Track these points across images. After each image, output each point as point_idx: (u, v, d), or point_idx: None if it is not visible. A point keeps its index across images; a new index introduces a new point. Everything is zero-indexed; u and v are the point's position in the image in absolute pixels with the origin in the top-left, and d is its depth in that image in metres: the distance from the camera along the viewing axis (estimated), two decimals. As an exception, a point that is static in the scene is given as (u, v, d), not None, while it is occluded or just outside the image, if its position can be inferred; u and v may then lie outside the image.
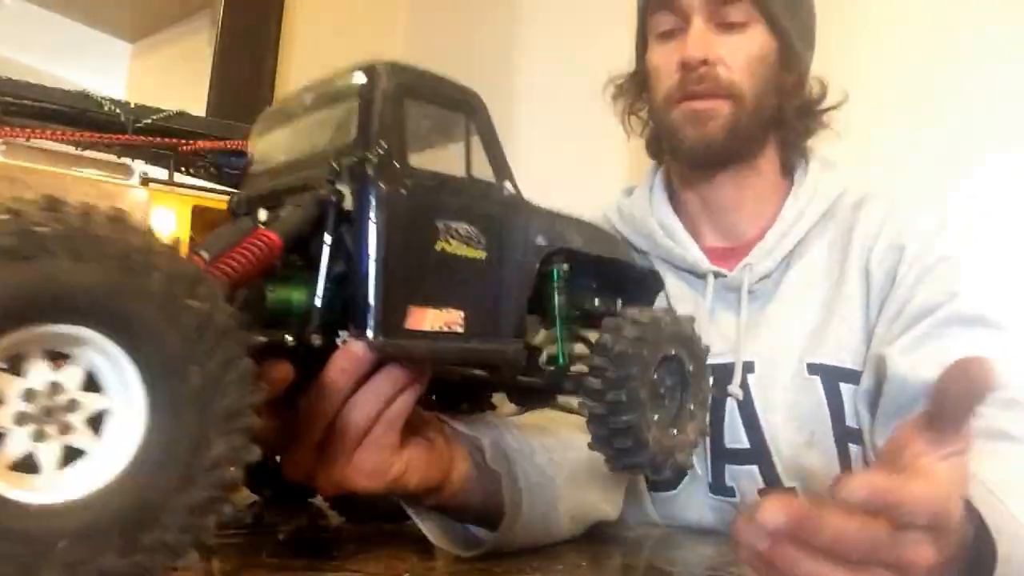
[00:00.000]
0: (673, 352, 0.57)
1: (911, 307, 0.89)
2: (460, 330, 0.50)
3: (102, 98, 0.91)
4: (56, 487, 0.31)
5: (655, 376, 0.56)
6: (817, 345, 0.93)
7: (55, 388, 0.32)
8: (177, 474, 0.33)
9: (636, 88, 1.07)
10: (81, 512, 0.31)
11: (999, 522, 0.55)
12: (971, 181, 1.20)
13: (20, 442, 0.31)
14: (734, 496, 0.96)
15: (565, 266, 0.58)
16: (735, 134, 0.96)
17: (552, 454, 0.74)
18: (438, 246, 0.49)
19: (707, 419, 0.61)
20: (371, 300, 0.47)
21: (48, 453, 0.32)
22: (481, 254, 0.51)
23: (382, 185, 0.47)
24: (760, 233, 0.99)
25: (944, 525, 0.45)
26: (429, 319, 0.49)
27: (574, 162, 1.62)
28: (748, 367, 0.95)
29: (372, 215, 0.47)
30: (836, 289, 0.94)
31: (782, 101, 0.98)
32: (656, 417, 0.56)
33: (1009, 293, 1.09)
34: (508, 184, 0.54)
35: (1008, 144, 1.18)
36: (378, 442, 0.55)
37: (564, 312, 0.58)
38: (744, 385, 0.94)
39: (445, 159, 0.52)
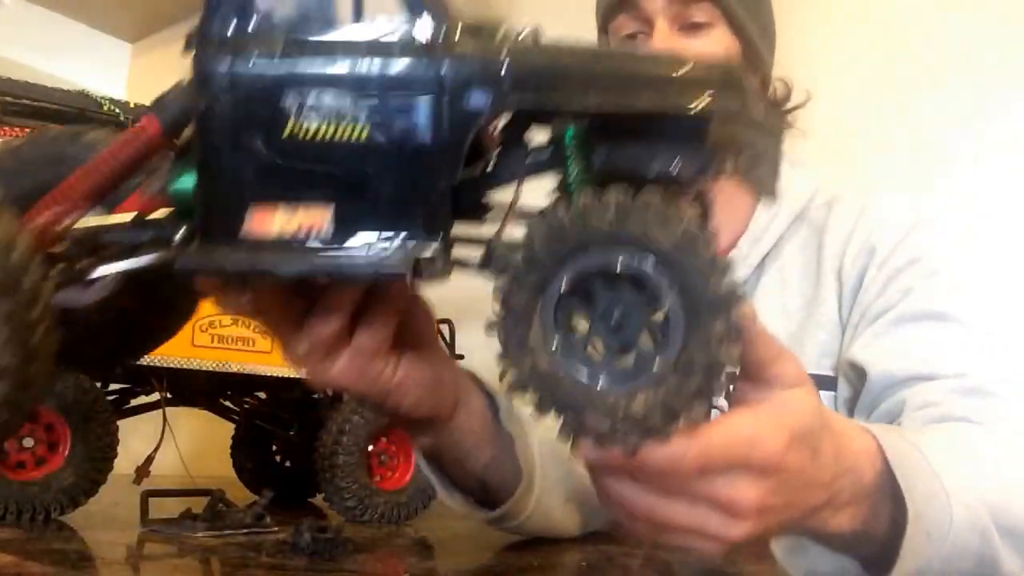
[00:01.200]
0: (622, 261, 0.39)
1: (873, 309, 0.86)
2: (323, 235, 0.41)
3: (102, 98, 0.91)
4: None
5: (563, 291, 0.40)
6: (797, 352, 0.91)
7: None
8: None
9: None
10: None
11: (917, 484, 0.55)
12: (945, 180, 1.20)
13: None
14: None
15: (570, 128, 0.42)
16: None
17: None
18: (287, 130, 0.41)
19: (719, 387, 0.41)
20: (197, 200, 0.42)
21: None
22: (358, 132, 0.41)
23: (202, 63, 0.41)
24: (733, 240, 0.96)
25: (767, 466, 0.44)
26: (277, 222, 0.41)
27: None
28: (730, 377, 0.94)
29: (200, 98, 0.41)
30: (813, 292, 0.93)
31: None
32: (578, 358, 0.40)
33: (996, 291, 1.10)
34: (429, 21, 0.41)
35: (981, 138, 1.18)
36: (358, 347, 0.51)
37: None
38: (728, 396, 0.93)
39: None
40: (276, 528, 0.75)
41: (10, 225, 0.41)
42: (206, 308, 0.90)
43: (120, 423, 0.82)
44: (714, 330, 0.38)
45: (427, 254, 0.41)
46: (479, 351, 1.36)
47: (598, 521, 0.83)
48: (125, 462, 0.86)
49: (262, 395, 1.10)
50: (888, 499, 0.54)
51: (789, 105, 0.98)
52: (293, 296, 0.49)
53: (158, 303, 0.52)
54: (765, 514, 0.44)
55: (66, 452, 0.78)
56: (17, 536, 0.67)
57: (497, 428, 0.66)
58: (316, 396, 1.10)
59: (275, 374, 0.95)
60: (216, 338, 0.90)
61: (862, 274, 0.88)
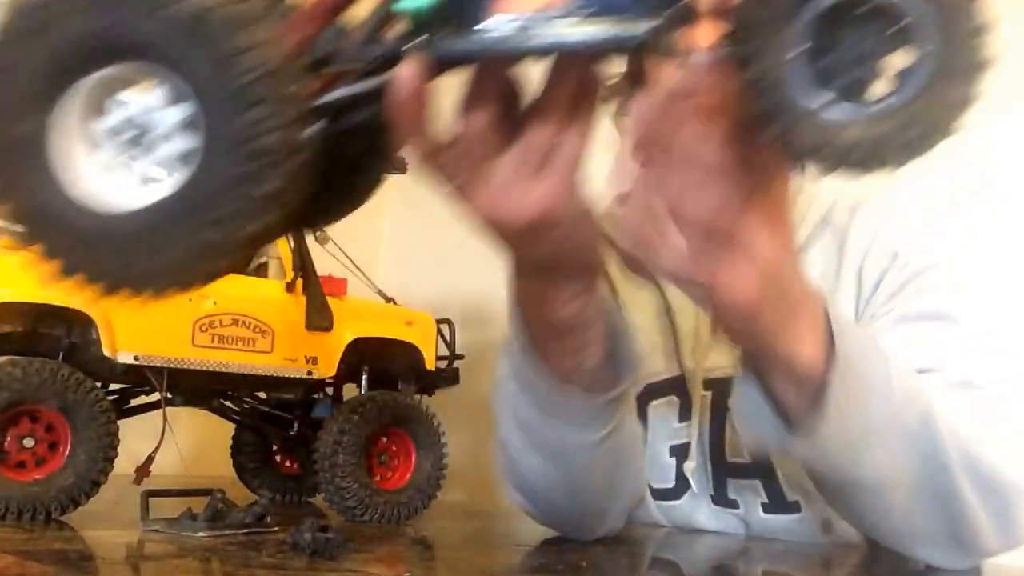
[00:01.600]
0: None
1: (882, 310, 0.86)
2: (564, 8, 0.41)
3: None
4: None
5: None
6: None
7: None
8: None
9: (629, 90, 1.02)
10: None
11: (853, 342, 0.57)
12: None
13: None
14: (738, 508, 0.96)
15: None
16: None
17: None
18: None
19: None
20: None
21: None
22: None
23: None
24: None
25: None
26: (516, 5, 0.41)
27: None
28: None
29: None
30: (830, 296, 0.90)
31: None
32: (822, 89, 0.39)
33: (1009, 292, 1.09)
34: None
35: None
36: (568, 154, 0.48)
37: None
38: None
39: None
40: (277, 528, 0.75)
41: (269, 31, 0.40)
42: (205, 307, 0.90)
43: (120, 423, 0.82)
44: (952, 95, 0.37)
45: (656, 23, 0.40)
46: (479, 351, 1.36)
47: (613, 521, 0.82)
48: (125, 462, 0.85)
49: (262, 395, 1.10)
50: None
51: None
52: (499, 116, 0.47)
53: (355, 159, 0.50)
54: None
55: (66, 452, 0.77)
56: (17, 536, 0.67)
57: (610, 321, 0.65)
58: (316, 396, 1.10)
59: (276, 374, 0.94)
60: (216, 338, 0.90)
61: (881, 278, 0.87)
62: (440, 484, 0.97)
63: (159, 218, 0.41)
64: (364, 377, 1.04)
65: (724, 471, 0.96)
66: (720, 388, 0.93)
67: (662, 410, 0.98)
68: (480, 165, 0.47)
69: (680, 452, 0.98)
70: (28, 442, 0.76)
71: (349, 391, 1.06)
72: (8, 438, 0.76)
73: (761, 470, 0.93)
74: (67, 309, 0.82)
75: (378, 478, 0.94)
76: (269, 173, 0.39)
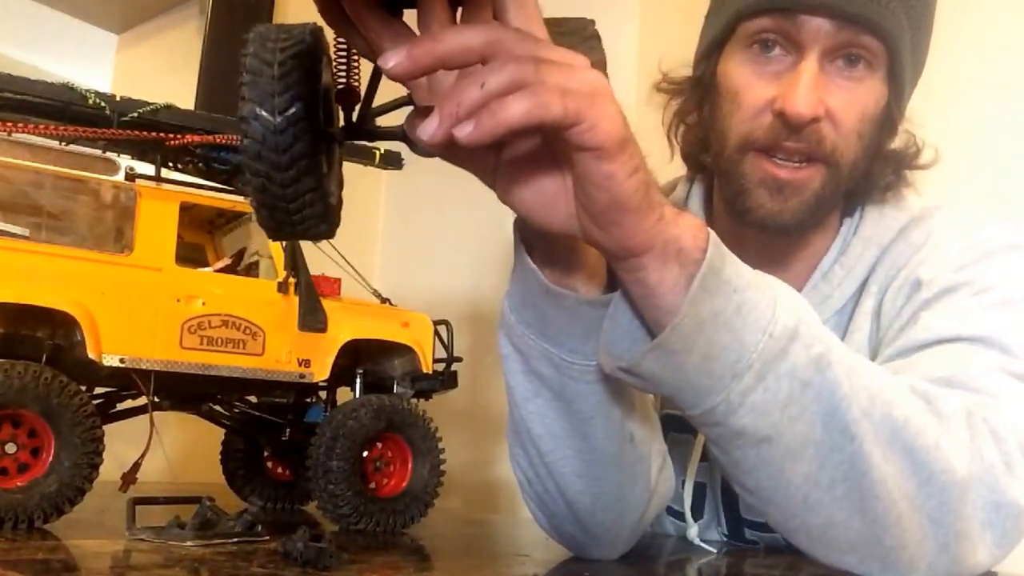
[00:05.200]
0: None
1: (892, 336, 0.80)
2: None
3: (87, 91, 0.88)
4: None
5: None
6: None
7: None
8: None
9: (696, 98, 0.88)
10: None
11: (741, 270, 0.56)
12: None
13: None
14: (757, 545, 0.94)
15: None
16: (819, 208, 0.81)
17: None
18: None
19: None
20: None
21: None
22: None
23: None
24: (800, 286, 0.87)
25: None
26: None
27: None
28: None
29: None
30: (846, 336, 0.85)
31: (876, 167, 0.84)
32: None
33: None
34: None
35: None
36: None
37: None
38: None
39: None
40: (267, 537, 0.74)
41: None
42: (194, 308, 0.88)
43: (106, 428, 0.80)
44: None
45: None
46: (477, 354, 1.34)
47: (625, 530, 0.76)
48: (111, 468, 0.84)
49: (253, 399, 1.08)
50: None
51: (919, 162, 0.87)
52: None
53: None
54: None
55: (50, 458, 0.76)
56: (-2, 546, 0.65)
57: None
58: (309, 400, 1.08)
59: (267, 377, 0.92)
60: (205, 340, 0.88)
61: (901, 310, 0.80)
62: (437, 491, 0.95)
63: None
64: (358, 380, 1.03)
65: (742, 524, 0.94)
66: None
67: (680, 446, 0.93)
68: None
69: (697, 490, 0.94)
70: (10, 448, 0.74)
71: (343, 395, 1.05)
72: (-11, 444, 0.74)
73: None
74: (50, 310, 0.81)
75: (373, 485, 0.92)
76: None
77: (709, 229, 0.55)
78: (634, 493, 0.72)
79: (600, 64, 0.56)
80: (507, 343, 0.66)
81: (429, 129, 0.45)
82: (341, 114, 0.52)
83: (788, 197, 0.79)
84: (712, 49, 0.84)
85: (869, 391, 0.59)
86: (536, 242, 0.61)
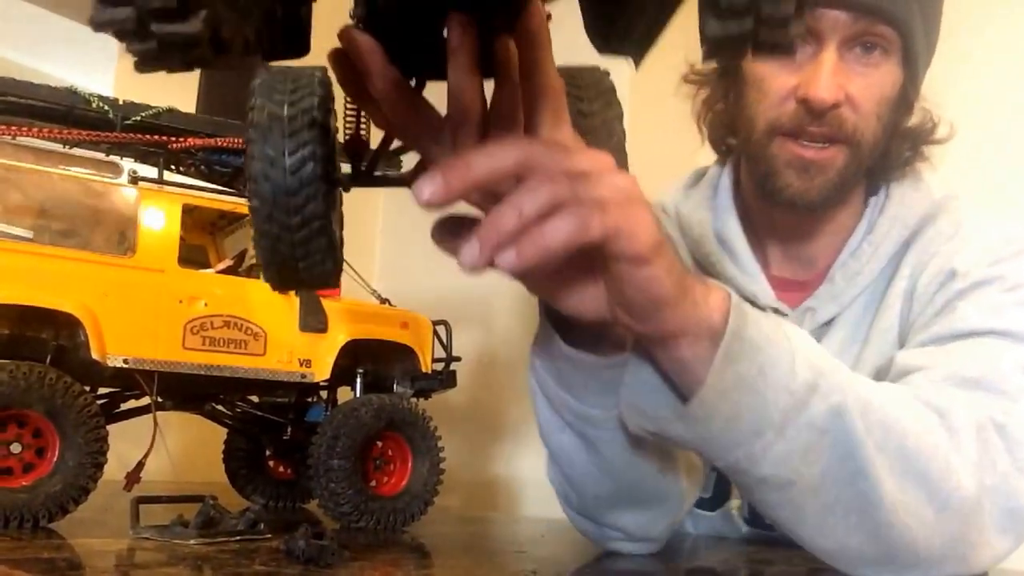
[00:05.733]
0: None
1: (921, 325, 0.82)
2: None
3: (90, 95, 0.89)
4: None
5: None
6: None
7: None
8: None
9: (722, 88, 0.93)
10: None
11: (762, 325, 0.56)
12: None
13: None
14: (774, 530, 0.94)
15: None
16: (842, 185, 0.85)
17: None
18: None
19: None
20: None
21: None
22: None
23: None
24: (828, 263, 0.91)
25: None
26: None
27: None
28: None
29: None
30: (876, 317, 0.87)
31: (894, 145, 0.88)
32: None
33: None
34: None
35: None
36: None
37: None
38: None
39: None
40: (270, 535, 0.74)
41: None
42: (196, 309, 0.89)
43: (110, 428, 0.80)
44: None
45: None
46: (476, 354, 1.34)
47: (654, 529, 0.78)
48: (115, 468, 0.84)
49: (255, 398, 1.09)
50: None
51: (934, 138, 0.90)
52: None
53: None
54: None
55: (54, 458, 0.76)
56: (4, 545, 0.66)
57: None
58: (310, 400, 1.09)
59: (268, 377, 0.93)
60: (208, 340, 0.89)
61: (933, 296, 0.82)
62: (437, 489, 0.96)
63: None
64: (359, 380, 1.03)
65: (760, 526, 0.95)
66: None
67: None
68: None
69: (720, 477, 0.95)
70: (15, 448, 0.75)
71: (343, 394, 1.05)
72: (-6, 444, 0.74)
73: None
74: (54, 312, 0.81)
75: (373, 483, 0.92)
76: None
77: (730, 291, 0.57)
78: (664, 507, 0.75)
79: (619, 118, 0.55)
80: (534, 381, 0.68)
81: (469, 258, 0.44)
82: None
83: (814, 176, 0.83)
84: None
85: (884, 424, 0.61)
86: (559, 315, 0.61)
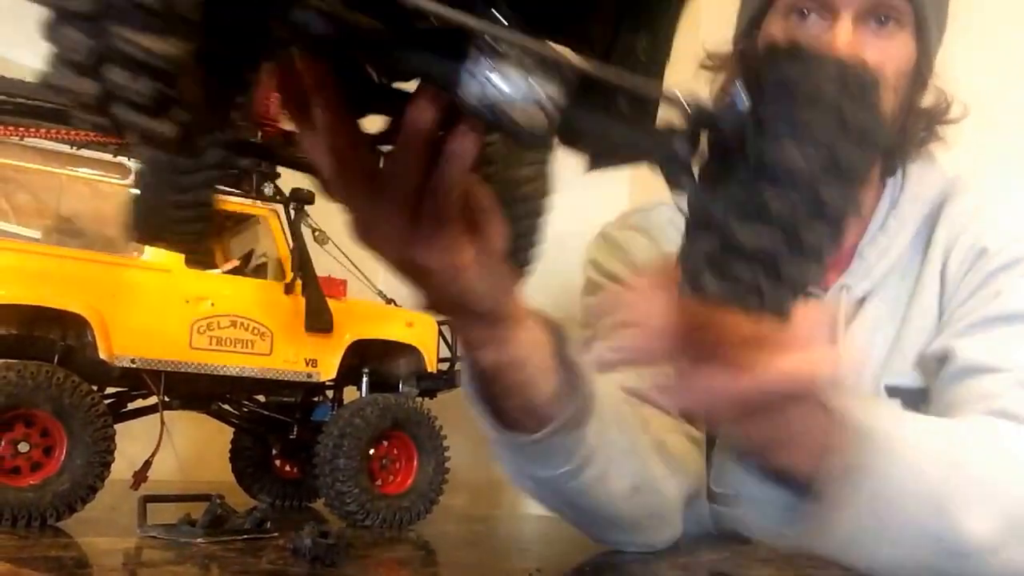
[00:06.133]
0: None
1: (964, 307, 0.82)
2: None
3: (97, 96, 0.89)
4: None
5: None
6: (894, 362, 0.86)
7: None
8: None
9: (739, 70, 0.92)
10: None
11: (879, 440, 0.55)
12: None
13: None
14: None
15: None
16: None
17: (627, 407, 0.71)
18: None
19: None
20: None
21: None
22: None
23: None
24: (853, 242, 0.90)
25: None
26: None
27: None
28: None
29: None
30: (913, 296, 0.87)
31: (910, 122, 0.88)
32: None
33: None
34: None
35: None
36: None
37: None
38: None
39: None
40: (276, 533, 0.74)
41: None
42: (203, 309, 0.89)
43: (117, 427, 0.81)
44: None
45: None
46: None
47: (666, 531, 0.78)
48: (122, 467, 0.85)
49: (261, 398, 1.09)
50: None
51: (949, 117, 0.90)
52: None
53: None
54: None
55: (62, 457, 0.77)
56: (12, 543, 0.66)
57: (562, 357, 0.61)
58: (316, 399, 1.09)
59: (275, 377, 0.93)
60: (214, 340, 0.89)
61: (964, 276, 0.84)
62: (442, 488, 0.96)
63: None
64: (364, 379, 1.04)
65: None
66: None
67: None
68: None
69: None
70: (23, 447, 0.76)
71: (349, 394, 1.06)
72: (2, 443, 0.75)
73: None
74: (62, 312, 0.82)
75: (379, 482, 0.93)
76: None
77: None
78: (658, 521, 0.75)
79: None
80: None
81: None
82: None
83: None
84: (751, 25, 0.89)
85: (980, 482, 0.60)
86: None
